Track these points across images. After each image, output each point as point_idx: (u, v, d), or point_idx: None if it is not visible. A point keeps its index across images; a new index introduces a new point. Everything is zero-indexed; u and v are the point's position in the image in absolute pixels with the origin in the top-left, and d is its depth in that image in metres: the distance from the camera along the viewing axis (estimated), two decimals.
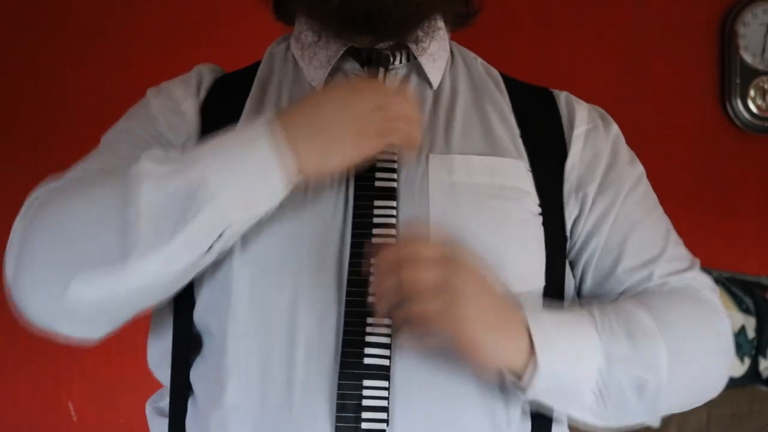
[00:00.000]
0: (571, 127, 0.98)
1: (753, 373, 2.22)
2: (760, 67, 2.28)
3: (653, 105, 2.27)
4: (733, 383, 2.19)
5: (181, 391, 0.93)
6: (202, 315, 0.91)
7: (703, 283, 0.97)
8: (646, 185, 1.02)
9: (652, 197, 1.02)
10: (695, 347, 0.90)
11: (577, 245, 0.96)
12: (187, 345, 0.92)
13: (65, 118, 1.93)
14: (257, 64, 1.00)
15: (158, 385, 1.00)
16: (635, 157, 1.03)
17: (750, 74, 2.27)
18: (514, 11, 2.27)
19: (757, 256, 2.29)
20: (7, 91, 1.93)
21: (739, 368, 2.20)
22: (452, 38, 1.03)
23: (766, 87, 2.28)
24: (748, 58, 2.28)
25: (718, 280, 2.21)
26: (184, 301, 0.92)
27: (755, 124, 2.28)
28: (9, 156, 1.92)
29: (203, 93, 0.97)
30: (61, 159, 1.90)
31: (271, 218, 0.86)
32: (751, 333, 2.22)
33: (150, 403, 1.00)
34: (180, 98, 0.96)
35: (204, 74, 0.99)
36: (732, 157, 2.30)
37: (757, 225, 2.29)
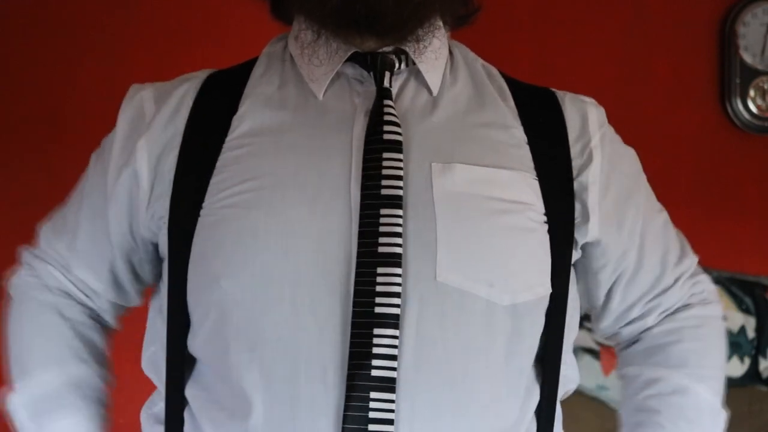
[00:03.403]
0: (586, 133, 0.97)
1: (753, 373, 2.22)
2: (760, 67, 2.28)
3: (653, 105, 2.27)
4: (733, 383, 2.19)
5: (176, 402, 0.92)
6: (198, 333, 0.90)
7: (710, 290, 1.06)
8: (643, 177, 1.04)
9: (648, 187, 1.04)
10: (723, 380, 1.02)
11: (604, 259, 0.98)
12: (182, 360, 0.92)
13: (66, 117, 1.93)
14: (252, 62, 0.99)
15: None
16: (624, 145, 1.04)
17: (750, 74, 2.27)
18: (514, 11, 2.27)
19: (757, 256, 2.28)
20: (7, 92, 1.93)
21: (739, 368, 2.20)
22: (452, 37, 1.03)
23: (766, 87, 2.28)
24: (748, 58, 2.28)
25: (718, 280, 2.21)
26: (177, 320, 0.92)
27: (755, 124, 2.28)
28: (10, 155, 1.92)
29: (190, 100, 0.95)
30: (62, 158, 1.90)
31: (266, 232, 0.85)
32: (751, 333, 2.22)
33: (144, 410, 1.00)
34: (149, 112, 0.96)
35: (189, 86, 0.97)
36: (732, 157, 2.30)
37: (757, 225, 2.29)
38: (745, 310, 2.23)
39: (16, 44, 1.93)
